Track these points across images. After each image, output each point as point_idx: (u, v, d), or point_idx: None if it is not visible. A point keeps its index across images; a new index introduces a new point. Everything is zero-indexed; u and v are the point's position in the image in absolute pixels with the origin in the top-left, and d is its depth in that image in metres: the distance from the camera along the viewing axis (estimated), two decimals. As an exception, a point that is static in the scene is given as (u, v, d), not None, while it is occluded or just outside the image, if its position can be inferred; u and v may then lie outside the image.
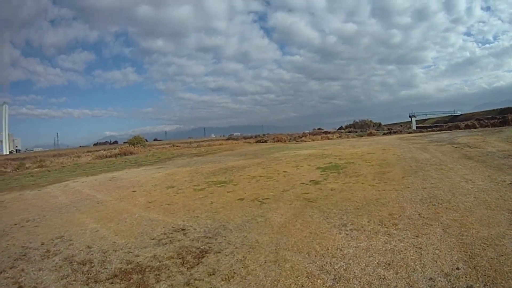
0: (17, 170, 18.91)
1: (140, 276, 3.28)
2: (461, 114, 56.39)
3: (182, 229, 4.69)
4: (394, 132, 36.39)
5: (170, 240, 4.26)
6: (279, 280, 2.99)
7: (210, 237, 4.28)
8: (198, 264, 3.48)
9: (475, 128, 30.12)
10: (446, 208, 4.76)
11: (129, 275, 3.32)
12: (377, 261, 3.23)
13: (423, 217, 4.41)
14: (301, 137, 36.09)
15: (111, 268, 3.52)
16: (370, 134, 35.38)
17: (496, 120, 32.64)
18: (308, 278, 2.99)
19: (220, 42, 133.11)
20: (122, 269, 3.48)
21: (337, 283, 2.87)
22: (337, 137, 34.50)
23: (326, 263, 3.27)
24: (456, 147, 13.01)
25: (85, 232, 4.91)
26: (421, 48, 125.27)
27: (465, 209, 4.64)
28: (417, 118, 55.60)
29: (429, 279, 2.81)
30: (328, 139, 33.18)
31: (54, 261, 3.85)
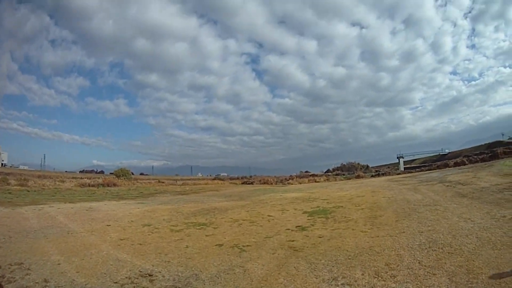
0: (-2, 185, 18.70)
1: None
2: (449, 152, 57.06)
3: (150, 275, 4.22)
4: (382, 174, 36.28)
5: (134, 287, 3.79)
6: None
7: None
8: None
9: (465, 164, 29.90)
10: (449, 252, 4.37)
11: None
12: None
13: (425, 266, 3.98)
14: (288, 180, 35.64)
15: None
16: (358, 177, 35.22)
17: (485, 155, 32.35)
18: None
19: (213, 82, 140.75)
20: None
21: None
22: (325, 180, 33.88)
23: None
24: (447, 186, 12.77)
25: (46, 263, 4.64)
26: (408, 89, 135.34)
27: (469, 251, 4.31)
28: (405, 159, 56.40)
29: None
30: (316, 182, 32.58)
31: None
